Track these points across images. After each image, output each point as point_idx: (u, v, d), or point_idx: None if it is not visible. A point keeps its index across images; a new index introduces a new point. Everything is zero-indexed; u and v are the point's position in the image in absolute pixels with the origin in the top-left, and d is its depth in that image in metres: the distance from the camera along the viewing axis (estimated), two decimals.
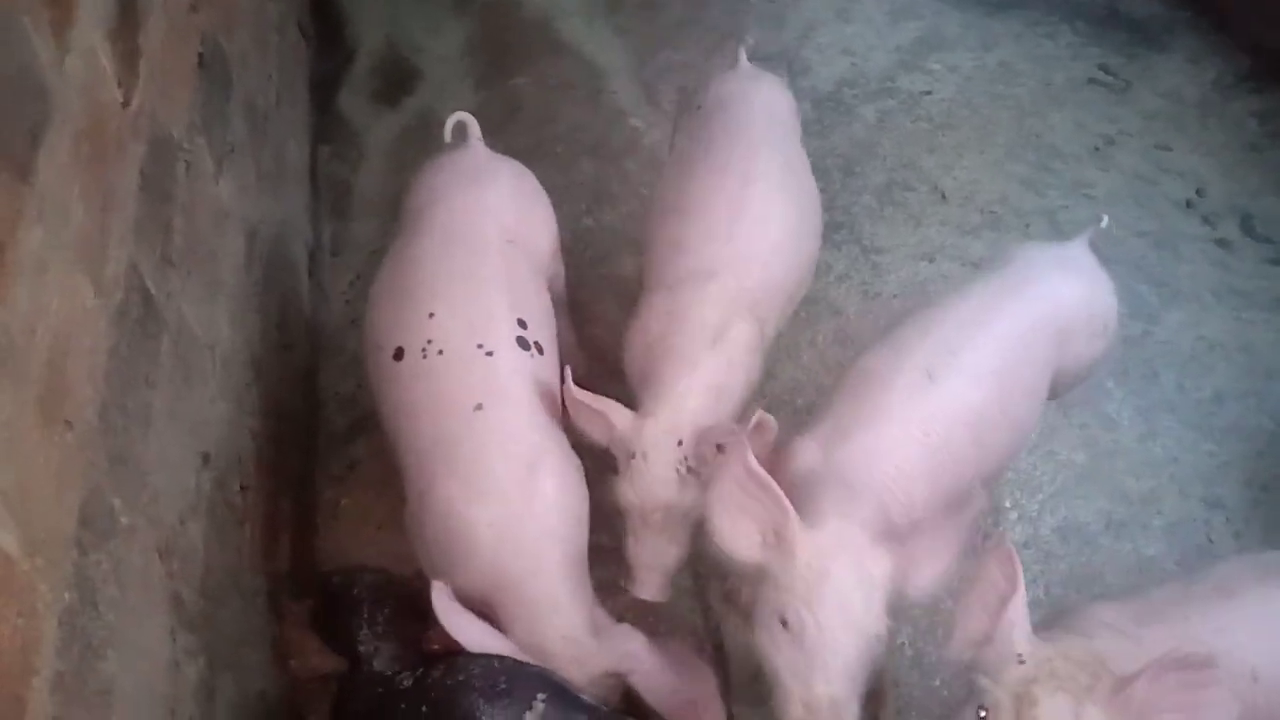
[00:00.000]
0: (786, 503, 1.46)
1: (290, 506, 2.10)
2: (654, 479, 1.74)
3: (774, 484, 1.47)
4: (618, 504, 1.79)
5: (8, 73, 1.13)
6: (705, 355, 1.81)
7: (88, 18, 1.38)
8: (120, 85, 1.47)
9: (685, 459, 1.74)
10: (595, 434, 1.79)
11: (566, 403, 1.77)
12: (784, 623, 1.44)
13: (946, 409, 1.67)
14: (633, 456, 1.75)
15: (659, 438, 1.74)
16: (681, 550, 1.81)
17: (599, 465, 1.83)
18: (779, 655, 1.45)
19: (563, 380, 1.78)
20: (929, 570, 1.48)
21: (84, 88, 1.33)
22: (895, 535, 1.51)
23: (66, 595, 1.09)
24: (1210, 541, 2.25)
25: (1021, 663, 1.30)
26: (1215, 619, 1.45)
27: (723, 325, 1.83)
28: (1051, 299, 1.84)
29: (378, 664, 1.70)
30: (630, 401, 1.85)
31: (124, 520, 1.29)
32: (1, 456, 1.00)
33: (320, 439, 2.41)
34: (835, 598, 1.42)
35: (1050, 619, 1.50)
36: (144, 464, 1.38)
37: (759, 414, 1.68)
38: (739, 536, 1.51)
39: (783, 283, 1.97)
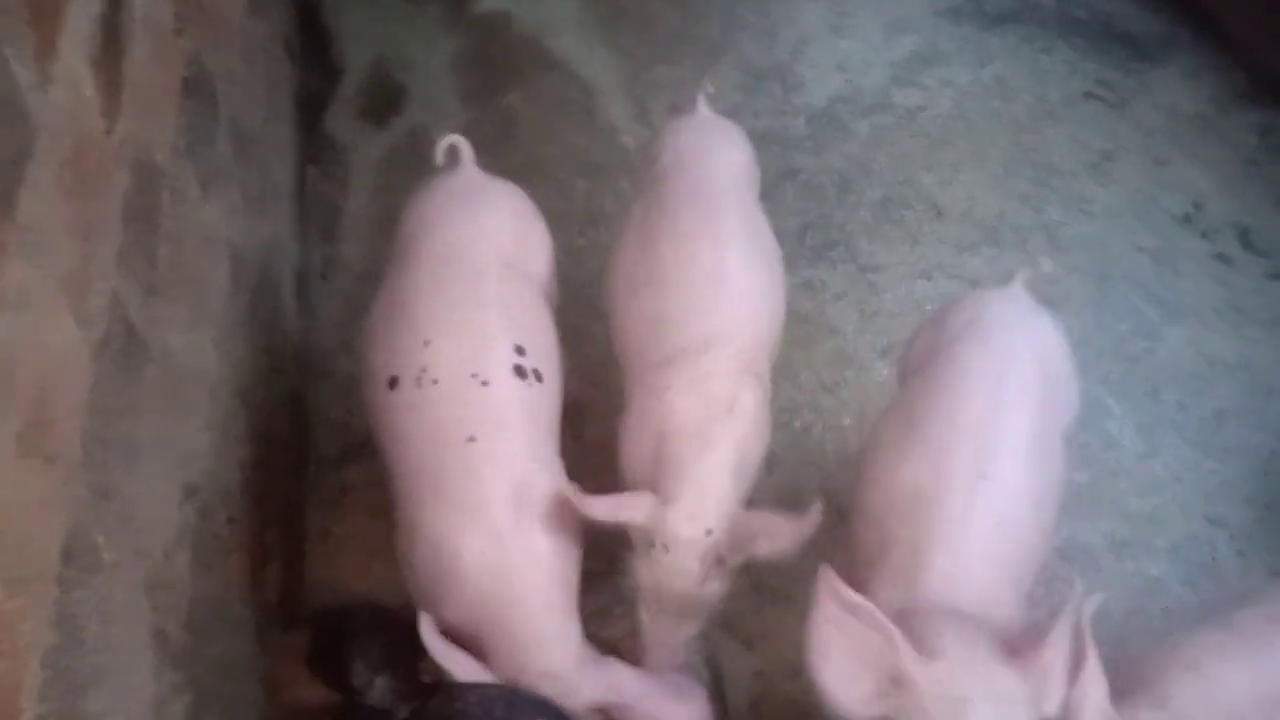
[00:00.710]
0: (892, 628, 1.31)
1: (278, 535, 2.06)
2: (675, 571, 1.65)
3: (874, 609, 1.33)
4: (632, 582, 1.72)
5: None
6: (721, 431, 1.72)
7: (71, 46, 1.34)
8: (104, 113, 1.44)
9: (715, 548, 1.66)
10: (608, 522, 1.70)
11: (577, 506, 1.67)
12: None
13: (1008, 501, 1.57)
14: (653, 546, 1.66)
15: (684, 529, 1.65)
16: (697, 626, 1.74)
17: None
18: None
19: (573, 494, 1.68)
20: (1059, 681, 1.35)
21: (67, 116, 1.29)
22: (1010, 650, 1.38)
23: (49, 634, 1.06)
24: (1214, 561, 2.22)
25: None
26: None
27: (732, 395, 1.75)
28: (1038, 351, 1.77)
29: (372, 698, 1.67)
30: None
31: (108, 555, 1.25)
32: None
33: (310, 465, 2.37)
34: None
35: (1116, 663, 1.41)
36: (128, 497, 1.34)
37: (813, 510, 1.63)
38: (852, 691, 1.35)
39: (770, 337, 1.92)
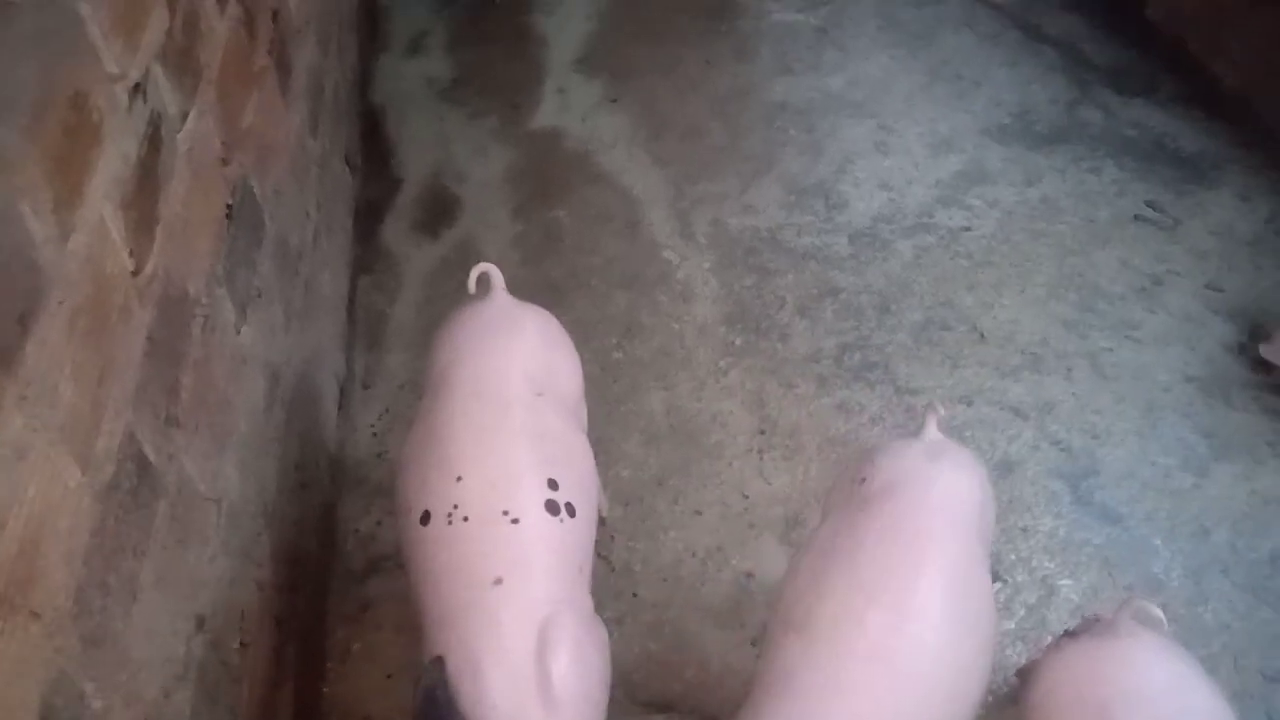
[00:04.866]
0: None
1: (296, 654, 2.06)
2: None
3: None
4: None
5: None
6: None
7: (98, 191, 1.40)
8: (132, 254, 1.49)
9: None
10: None
11: None
12: None
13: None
14: None
15: None
16: None
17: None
18: None
19: None
20: None
21: (88, 262, 1.34)
22: None
23: None
24: None
25: None
26: None
27: None
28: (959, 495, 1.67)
29: None
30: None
31: (96, 704, 1.25)
32: None
33: (335, 578, 2.38)
34: None
35: None
36: (124, 641, 1.34)
37: None
38: None
39: None
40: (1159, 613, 1.61)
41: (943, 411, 1.86)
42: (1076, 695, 1.55)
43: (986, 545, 1.71)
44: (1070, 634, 1.72)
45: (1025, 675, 2.02)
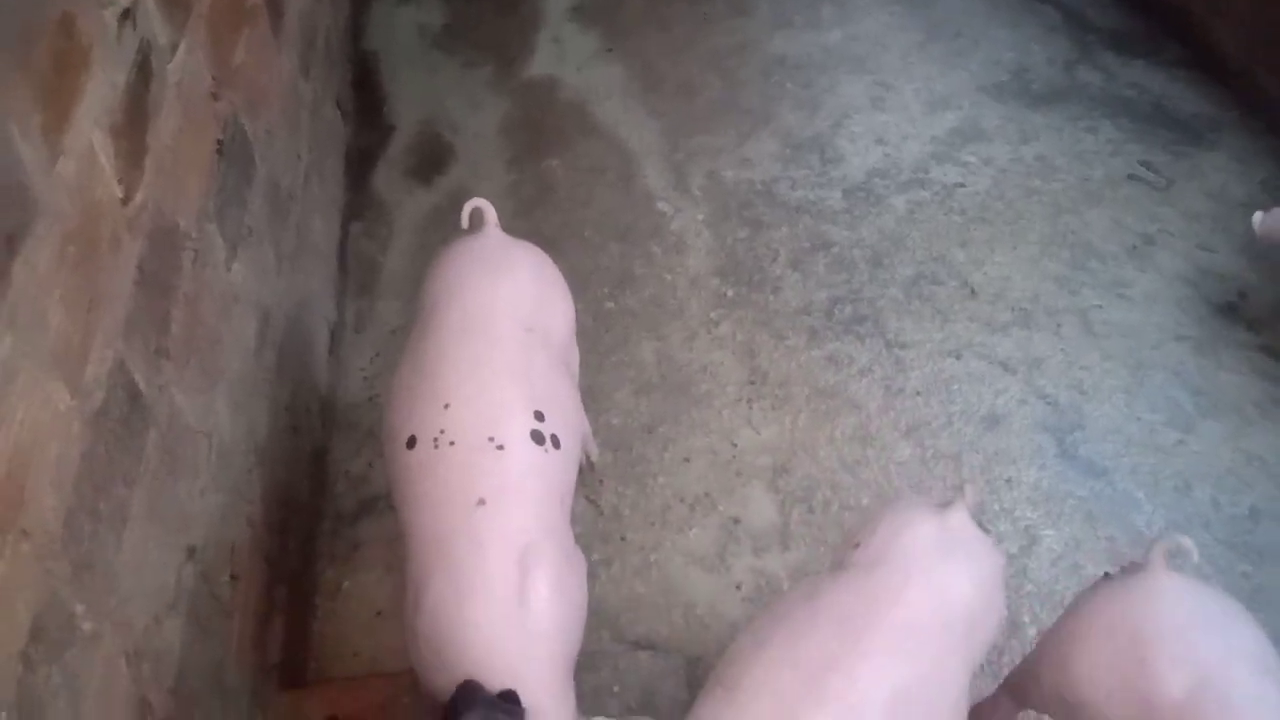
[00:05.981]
0: None
1: (286, 592, 2.08)
2: None
3: None
4: None
5: None
6: None
7: (88, 118, 1.39)
8: (121, 182, 1.48)
9: None
10: None
11: None
12: None
13: None
14: None
15: None
16: None
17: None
18: None
19: None
20: None
21: (77, 189, 1.34)
22: None
23: (3, 717, 1.06)
24: None
25: None
26: None
27: None
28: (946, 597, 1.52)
29: None
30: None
31: (86, 626, 1.26)
32: None
33: (326, 519, 2.39)
34: None
35: None
36: (115, 566, 1.35)
37: None
38: None
39: None
40: (1189, 543, 1.59)
41: (972, 496, 1.65)
42: (1108, 625, 1.54)
43: (974, 655, 1.55)
44: (1107, 576, 1.73)
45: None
